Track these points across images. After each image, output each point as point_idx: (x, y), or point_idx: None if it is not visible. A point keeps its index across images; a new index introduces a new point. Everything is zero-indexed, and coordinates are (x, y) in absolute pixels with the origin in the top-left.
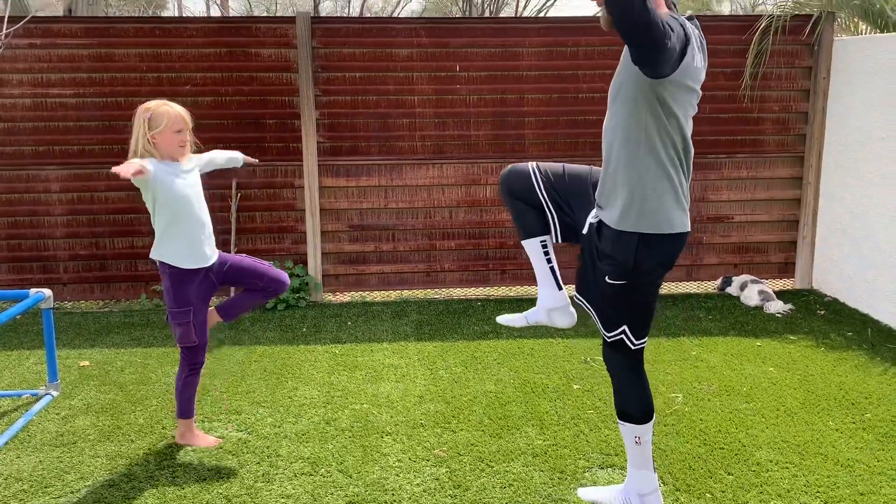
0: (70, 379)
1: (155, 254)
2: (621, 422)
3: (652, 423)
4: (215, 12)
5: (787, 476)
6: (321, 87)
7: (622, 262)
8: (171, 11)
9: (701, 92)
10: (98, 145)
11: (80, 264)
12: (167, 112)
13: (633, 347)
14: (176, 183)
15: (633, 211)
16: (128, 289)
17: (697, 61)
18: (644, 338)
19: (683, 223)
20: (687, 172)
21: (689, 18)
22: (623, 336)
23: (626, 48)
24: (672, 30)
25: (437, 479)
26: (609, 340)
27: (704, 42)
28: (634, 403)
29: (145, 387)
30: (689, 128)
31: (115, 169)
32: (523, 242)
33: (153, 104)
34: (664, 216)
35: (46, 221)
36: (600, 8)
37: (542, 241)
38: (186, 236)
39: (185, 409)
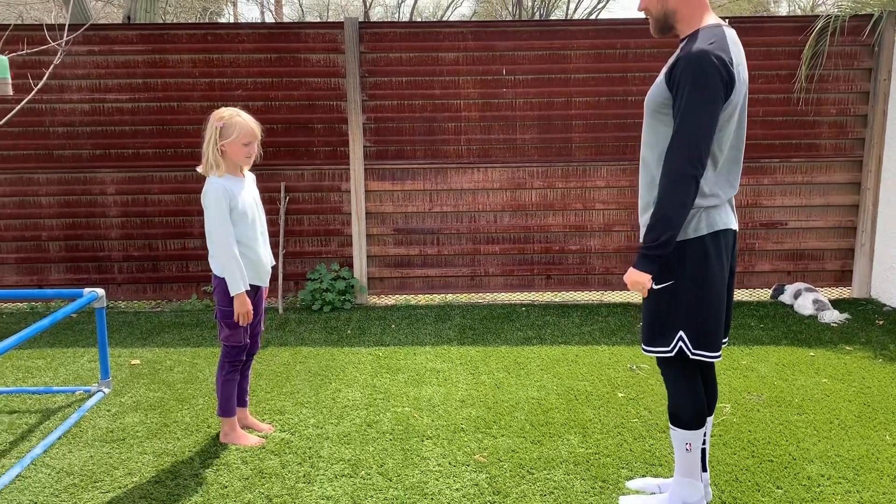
0: (121, 377)
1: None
2: (673, 427)
3: (703, 429)
4: (269, 20)
5: (840, 492)
6: (368, 92)
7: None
8: (226, 19)
9: (746, 93)
10: (152, 149)
11: (133, 265)
12: (239, 123)
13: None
14: (243, 198)
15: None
16: (179, 289)
17: (741, 76)
18: (703, 349)
19: (714, 224)
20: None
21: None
22: (682, 344)
23: (665, 69)
24: (707, 126)
25: (477, 485)
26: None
27: (741, 48)
28: (687, 407)
29: (193, 386)
30: (735, 131)
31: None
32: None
33: (227, 113)
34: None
35: (102, 223)
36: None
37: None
38: (251, 254)
39: (226, 408)
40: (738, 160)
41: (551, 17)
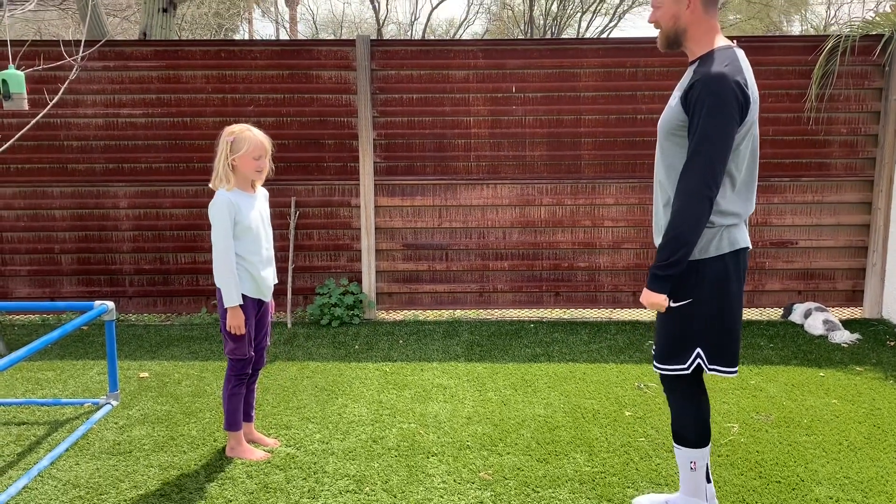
0: (129, 389)
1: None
2: (677, 445)
3: (708, 448)
4: (284, 37)
5: None
6: (379, 108)
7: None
8: (241, 36)
9: (757, 111)
10: (164, 163)
11: (144, 278)
12: (249, 138)
13: (707, 372)
14: (249, 214)
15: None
16: (189, 303)
17: (753, 96)
18: (719, 364)
19: (734, 243)
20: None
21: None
22: (699, 360)
23: (678, 90)
24: (723, 148)
25: (482, 503)
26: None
27: (750, 68)
28: (691, 426)
29: (200, 399)
30: (748, 149)
31: (233, 331)
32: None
33: (237, 128)
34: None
35: (114, 236)
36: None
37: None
38: (252, 270)
39: (232, 422)
40: (753, 178)
41: (562, 36)
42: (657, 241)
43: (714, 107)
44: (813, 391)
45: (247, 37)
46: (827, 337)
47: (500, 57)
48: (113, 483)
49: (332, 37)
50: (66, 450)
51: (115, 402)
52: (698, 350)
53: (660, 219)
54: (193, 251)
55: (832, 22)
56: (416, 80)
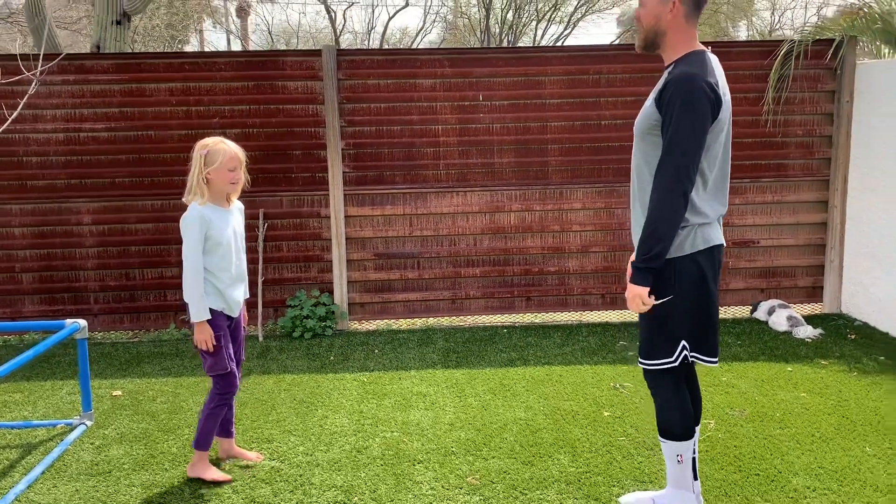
0: (103, 409)
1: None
2: (663, 440)
3: (693, 440)
4: (236, 47)
5: (825, 503)
6: (346, 118)
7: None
8: (193, 47)
9: (730, 115)
10: (128, 178)
11: (110, 295)
12: (222, 150)
13: (687, 363)
14: (221, 229)
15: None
16: (157, 318)
17: (725, 98)
18: (700, 353)
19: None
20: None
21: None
22: (685, 352)
23: (653, 92)
24: (696, 148)
25: None
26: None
27: (722, 72)
28: (677, 419)
29: (177, 416)
30: (722, 151)
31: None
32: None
33: (210, 141)
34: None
35: (78, 253)
36: (637, 26)
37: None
38: (219, 285)
39: (203, 441)
40: (725, 178)
41: (519, 45)
42: (635, 239)
43: (685, 104)
44: (782, 385)
45: (198, 48)
46: (791, 333)
47: (467, 66)
48: None
49: (286, 47)
50: (43, 472)
51: (89, 422)
52: (683, 342)
53: (637, 216)
54: (160, 266)
55: (777, 27)
56: (383, 90)
